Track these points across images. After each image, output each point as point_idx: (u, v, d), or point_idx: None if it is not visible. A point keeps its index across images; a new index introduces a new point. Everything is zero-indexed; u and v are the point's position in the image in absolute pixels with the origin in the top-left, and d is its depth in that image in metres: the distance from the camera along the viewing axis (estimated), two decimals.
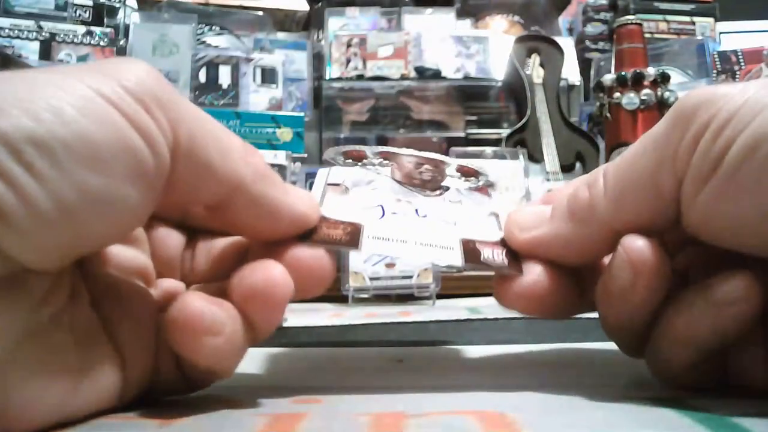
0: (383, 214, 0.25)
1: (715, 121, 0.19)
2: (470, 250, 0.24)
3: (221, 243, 0.25)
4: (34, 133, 0.16)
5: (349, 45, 1.13)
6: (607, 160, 0.91)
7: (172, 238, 0.25)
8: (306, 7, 1.19)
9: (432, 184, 0.28)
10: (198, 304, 0.19)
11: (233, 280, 0.21)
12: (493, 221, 0.27)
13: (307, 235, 0.22)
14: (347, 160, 0.28)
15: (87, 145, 0.16)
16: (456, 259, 0.23)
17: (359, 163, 0.28)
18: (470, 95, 1.10)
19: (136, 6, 1.13)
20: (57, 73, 0.17)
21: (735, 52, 1.09)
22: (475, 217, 0.26)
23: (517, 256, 0.24)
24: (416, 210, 0.26)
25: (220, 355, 0.20)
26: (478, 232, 0.25)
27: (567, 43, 1.12)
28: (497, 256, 0.24)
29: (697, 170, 0.20)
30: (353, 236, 0.23)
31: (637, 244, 0.21)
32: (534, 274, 0.23)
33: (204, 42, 1.11)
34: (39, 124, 0.16)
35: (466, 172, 0.29)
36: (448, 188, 0.28)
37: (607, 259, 0.24)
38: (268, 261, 0.21)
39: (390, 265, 0.61)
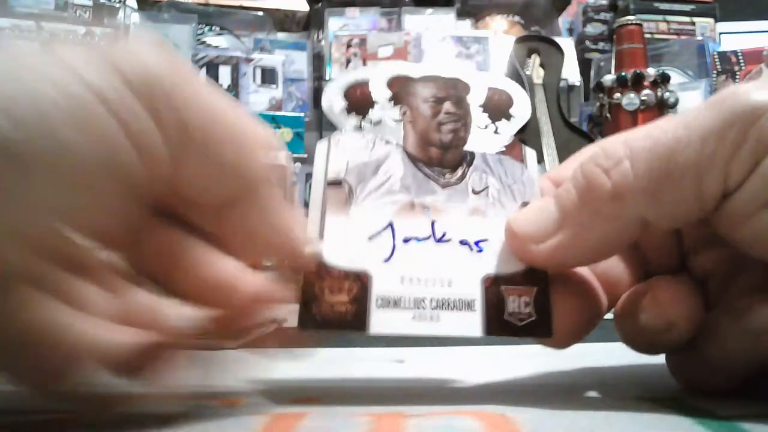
0: (393, 250, 0.22)
1: None
2: (493, 302, 0.22)
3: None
4: (7, 140, 0.14)
5: (349, 45, 1.13)
6: None
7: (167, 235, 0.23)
8: (306, 7, 1.19)
9: (454, 151, 0.25)
10: None
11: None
12: None
13: (309, 300, 0.21)
14: (350, 114, 0.25)
15: (69, 159, 0.15)
16: (475, 328, 0.21)
17: (364, 118, 0.25)
18: None
19: (136, 6, 1.13)
20: (51, 57, 0.15)
21: (735, 52, 1.09)
22: (503, 220, 0.23)
23: (545, 280, 0.22)
24: (432, 225, 0.23)
25: None
26: (506, 254, 0.22)
27: (567, 44, 1.12)
28: (524, 306, 0.22)
29: (757, 192, 0.18)
30: (360, 306, 0.21)
31: (670, 293, 0.20)
32: (561, 324, 0.21)
33: (204, 42, 1.10)
34: (17, 130, 0.14)
35: (496, 106, 0.27)
36: (473, 158, 0.25)
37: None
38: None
39: None
